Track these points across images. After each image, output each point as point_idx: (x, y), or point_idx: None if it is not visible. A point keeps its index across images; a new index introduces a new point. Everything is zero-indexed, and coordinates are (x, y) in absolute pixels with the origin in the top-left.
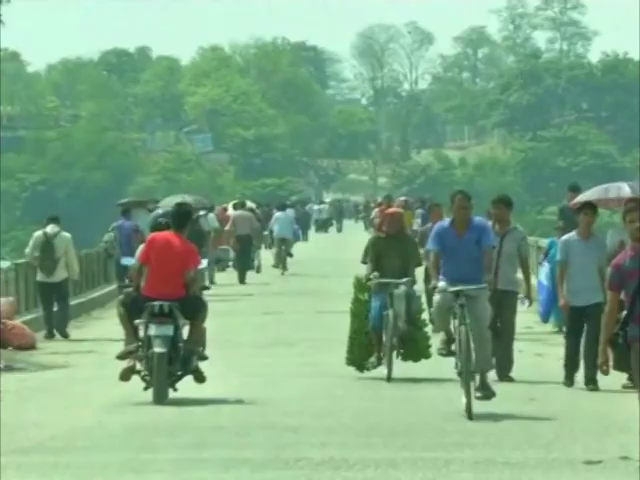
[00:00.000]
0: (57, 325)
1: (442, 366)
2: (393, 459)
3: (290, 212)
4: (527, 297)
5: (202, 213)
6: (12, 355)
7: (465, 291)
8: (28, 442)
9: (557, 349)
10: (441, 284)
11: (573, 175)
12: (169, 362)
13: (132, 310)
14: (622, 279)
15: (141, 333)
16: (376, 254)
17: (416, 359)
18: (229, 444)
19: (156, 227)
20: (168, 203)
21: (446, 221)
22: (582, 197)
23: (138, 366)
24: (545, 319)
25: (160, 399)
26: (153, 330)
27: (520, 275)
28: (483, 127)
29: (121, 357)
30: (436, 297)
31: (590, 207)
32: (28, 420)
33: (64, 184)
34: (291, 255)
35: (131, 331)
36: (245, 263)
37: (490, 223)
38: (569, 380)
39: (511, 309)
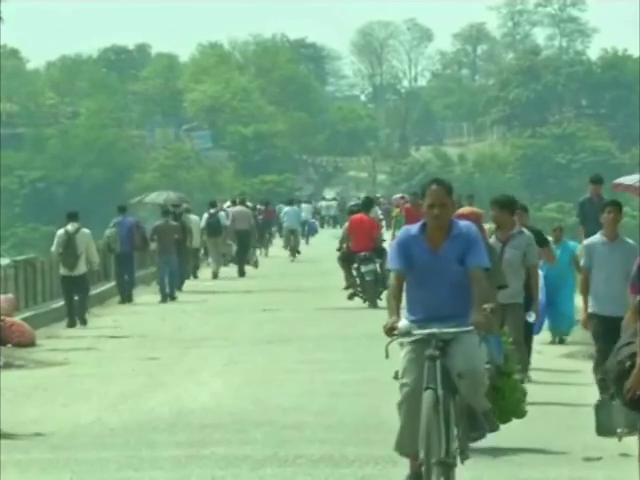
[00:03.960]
0: (77, 313)
1: None
2: (392, 456)
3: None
4: (534, 310)
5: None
6: (11, 352)
7: (439, 335)
8: (27, 439)
9: (553, 347)
10: (403, 324)
11: (572, 172)
12: (374, 284)
13: (346, 260)
14: None
15: (354, 272)
16: None
17: (504, 420)
18: (228, 441)
19: (351, 211)
20: (153, 198)
21: (415, 226)
22: (628, 180)
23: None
24: (537, 331)
25: (373, 305)
26: (363, 268)
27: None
28: (482, 124)
29: (346, 288)
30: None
31: (615, 204)
32: (27, 417)
33: (63, 181)
34: (299, 252)
35: (349, 272)
36: (244, 257)
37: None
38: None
39: (517, 324)
